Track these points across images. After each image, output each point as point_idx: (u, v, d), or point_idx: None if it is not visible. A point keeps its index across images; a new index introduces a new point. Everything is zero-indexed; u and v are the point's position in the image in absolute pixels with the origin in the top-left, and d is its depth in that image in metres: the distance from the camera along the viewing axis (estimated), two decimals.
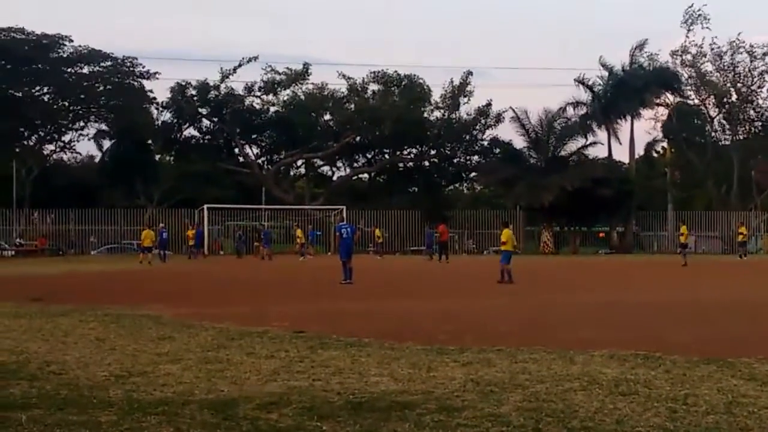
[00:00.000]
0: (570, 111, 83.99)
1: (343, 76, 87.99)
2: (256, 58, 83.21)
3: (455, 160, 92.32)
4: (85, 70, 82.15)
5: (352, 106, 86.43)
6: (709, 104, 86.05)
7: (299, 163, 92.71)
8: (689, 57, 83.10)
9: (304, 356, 13.04)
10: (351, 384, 10.69)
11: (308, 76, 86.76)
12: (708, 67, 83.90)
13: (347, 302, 23.97)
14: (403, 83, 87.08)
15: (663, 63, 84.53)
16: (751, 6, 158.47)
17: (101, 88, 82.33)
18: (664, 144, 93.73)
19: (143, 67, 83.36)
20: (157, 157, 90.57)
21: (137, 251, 61.60)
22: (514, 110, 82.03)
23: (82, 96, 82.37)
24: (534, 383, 10.63)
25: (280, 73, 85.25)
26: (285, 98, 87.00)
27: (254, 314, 19.60)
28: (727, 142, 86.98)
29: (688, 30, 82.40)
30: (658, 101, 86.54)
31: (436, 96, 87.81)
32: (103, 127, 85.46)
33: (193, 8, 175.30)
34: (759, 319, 19.25)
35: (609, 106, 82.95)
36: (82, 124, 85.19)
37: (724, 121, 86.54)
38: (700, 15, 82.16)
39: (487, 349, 13.55)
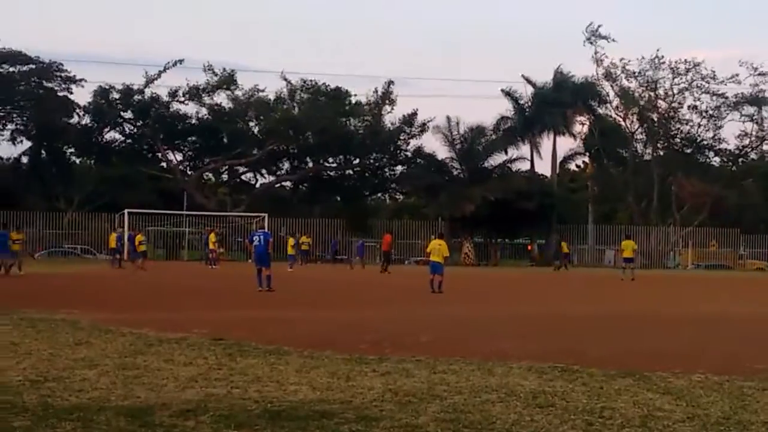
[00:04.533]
0: (495, 124, 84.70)
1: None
2: (181, 61, 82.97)
3: (379, 170, 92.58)
4: (7, 70, 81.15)
5: (277, 114, 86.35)
6: (631, 120, 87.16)
7: (222, 169, 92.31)
8: (612, 72, 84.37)
9: (222, 364, 12.94)
10: (269, 392, 10.63)
11: (234, 83, 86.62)
12: (631, 83, 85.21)
13: (268, 310, 23.84)
14: (331, 94, 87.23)
15: (586, 79, 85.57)
16: (669, 25, 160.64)
17: (22, 89, 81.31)
18: (586, 158, 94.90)
19: (69, 72, 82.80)
20: (78, 160, 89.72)
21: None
22: (437, 126, 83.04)
23: (2, 97, 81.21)
24: (452, 394, 10.64)
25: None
26: (210, 104, 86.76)
27: (173, 320, 19.40)
28: (648, 158, 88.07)
29: (596, 44, 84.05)
30: (580, 117, 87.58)
31: (362, 105, 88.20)
32: (22, 128, 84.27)
33: (119, 12, 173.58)
34: (675, 332, 19.48)
35: (532, 120, 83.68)
36: (1, 125, 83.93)
37: (644, 137, 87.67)
38: (599, 33, 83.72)
39: (406, 360, 13.55)
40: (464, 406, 9.88)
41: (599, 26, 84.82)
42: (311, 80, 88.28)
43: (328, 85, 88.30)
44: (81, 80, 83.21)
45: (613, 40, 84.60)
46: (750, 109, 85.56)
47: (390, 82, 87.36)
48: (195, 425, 8.78)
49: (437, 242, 34.35)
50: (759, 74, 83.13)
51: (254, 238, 33.29)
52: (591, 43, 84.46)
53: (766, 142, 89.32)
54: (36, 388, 10.64)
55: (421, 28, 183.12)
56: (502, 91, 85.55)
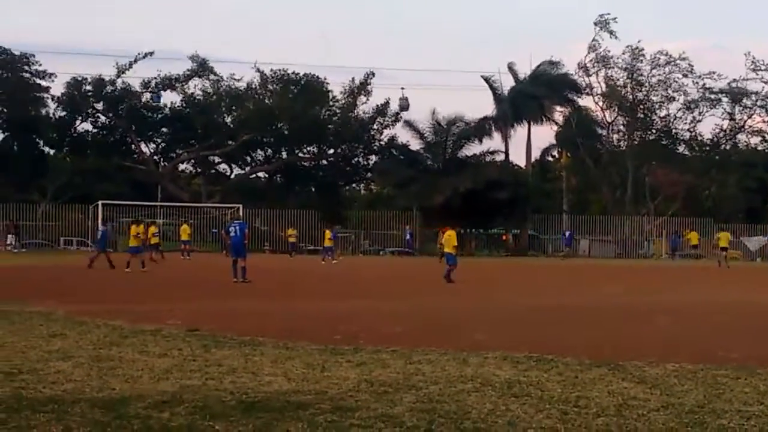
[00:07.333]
0: (469, 114, 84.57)
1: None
2: (151, 53, 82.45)
3: (353, 160, 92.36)
4: None
5: (251, 104, 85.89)
6: (610, 110, 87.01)
7: (195, 160, 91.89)
8: (594, 60, 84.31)
9: (197, 355, 12.93)
10: (244, 383, 10.63)
11: (207, 73, 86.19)
12: (612, 73, 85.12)
13: (243, 301, 23.83)
14: (302, 83, 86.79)
15: (565, 71, 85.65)
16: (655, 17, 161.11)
17: None
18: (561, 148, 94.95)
19: (39, 65, 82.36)
20: (52, 152, 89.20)
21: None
22: (407, 121, 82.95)
23: None
24: (428, 384, 10.67)
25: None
26: (183, 95, 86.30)
27: (148, 312, 19.35)
28: (623, 148, 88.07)
29: (598, 32, 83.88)
30: (558, 108, 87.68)
31: (336, 95, 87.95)
32: None
33: (88, 3, 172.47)
34: (650, 322, 19.53)
35: (509, 110, 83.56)
36: None
37: (620, 127, 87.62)
38: (609, 23, 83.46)
39: (381, 350, 13.57)
40: (440, 396, 9.91)
41: (614, 19, 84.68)
42: (281, 69, 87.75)
43: (299, 74, 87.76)
44: (51, 74, 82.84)
45: (617, 38, 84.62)
46: (727, 105, 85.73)
47: (371, 74, 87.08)
48: (170, 416, 8.76)
49: (447, 233, 35.37)
50: (755, 69, 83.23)
51: (230, 229, 33.49)
52: (600, 28, 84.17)
53: (740, 133, 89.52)
54: (10, 381, 10.61)
55: (399, 17, 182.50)
56: (482, 77, 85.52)
